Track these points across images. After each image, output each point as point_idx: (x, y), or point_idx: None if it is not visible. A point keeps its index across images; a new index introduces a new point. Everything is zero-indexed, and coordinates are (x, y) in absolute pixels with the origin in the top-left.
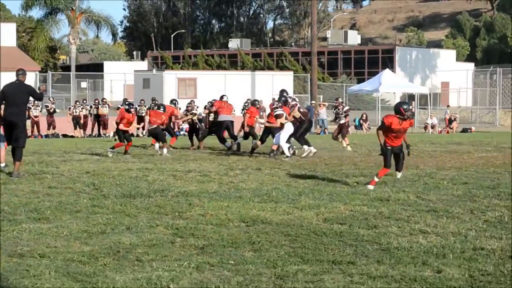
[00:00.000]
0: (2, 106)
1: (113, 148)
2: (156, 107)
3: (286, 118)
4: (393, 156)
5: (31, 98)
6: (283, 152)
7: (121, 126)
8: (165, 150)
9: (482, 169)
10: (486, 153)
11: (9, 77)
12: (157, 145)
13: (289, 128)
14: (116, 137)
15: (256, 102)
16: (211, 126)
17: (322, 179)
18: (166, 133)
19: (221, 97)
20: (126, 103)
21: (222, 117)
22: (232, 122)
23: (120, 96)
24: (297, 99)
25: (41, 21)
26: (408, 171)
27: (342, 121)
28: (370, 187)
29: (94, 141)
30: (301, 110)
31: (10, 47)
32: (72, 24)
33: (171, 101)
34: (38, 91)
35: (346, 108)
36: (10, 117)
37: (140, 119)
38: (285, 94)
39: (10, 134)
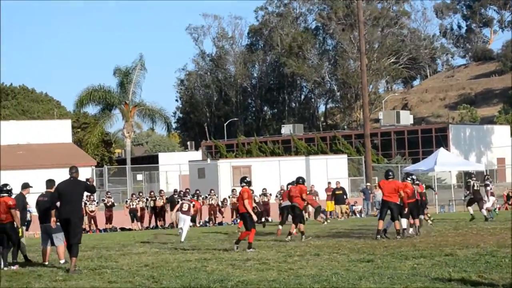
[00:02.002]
0: (58, 204)
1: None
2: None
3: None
4: None
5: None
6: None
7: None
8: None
9: None
10: None
11: (66, 173)
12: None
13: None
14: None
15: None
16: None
17: (381, 262)
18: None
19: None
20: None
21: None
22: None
23: (176, 187)
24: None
25: (96, 116)
26: (469, 250)
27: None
28: None
29: (152, 233)
30: None
31: (66, 143)
32: (126, 118)
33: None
34: (88, 183)
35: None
36: (67, 214)
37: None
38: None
39: (66, 231)
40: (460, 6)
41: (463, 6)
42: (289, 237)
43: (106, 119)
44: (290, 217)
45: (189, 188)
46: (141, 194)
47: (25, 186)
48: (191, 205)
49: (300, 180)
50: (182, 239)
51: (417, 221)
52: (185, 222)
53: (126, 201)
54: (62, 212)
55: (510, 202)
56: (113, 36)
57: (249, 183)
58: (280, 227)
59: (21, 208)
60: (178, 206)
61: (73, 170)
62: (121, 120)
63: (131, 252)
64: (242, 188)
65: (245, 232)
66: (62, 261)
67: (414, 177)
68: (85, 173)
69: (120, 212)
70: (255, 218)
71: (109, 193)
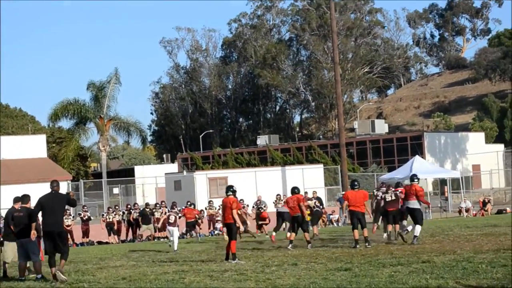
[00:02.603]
0: (40, 217)
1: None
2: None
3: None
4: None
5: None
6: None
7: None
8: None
9: None
10: None
11: (42, 188)
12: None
13: None
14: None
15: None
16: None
17: (359, 270)
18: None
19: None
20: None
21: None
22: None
23: (152, 200)
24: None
25: (71, 130)
26: (445, 257)
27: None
28: None
29: (129, 246)
30: None
31: (41, 158)
32: (101, 131)
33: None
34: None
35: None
36: (51, 227)
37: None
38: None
39: (52, 243)
40: (433, 15)
41: (435, 15)
42: (309, 245)
43: (81, 133)
44: (285, 225)
45: (164, 200)
46: (117, 207)
47: (18, 199)
48: (177, 216)
49: (296, 189)
50: (175, 248)
51: (397, 226)
52: (173, 233)
53: (103, 215)
54: (46, 225)
55: (486, 209)
56: (87, 49)
57: (235, 192)
58: (274, 233)
59: (11, 221)
60: (164, 218)
61: (54, 184)
62: (96, 134)
63: (108, 265)
64: (230, 198)
65: (231, 244)
66: (39, 276)
67: (400, 183)
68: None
69: (97, 226)
70: (242, 228)
71: (85, 207)
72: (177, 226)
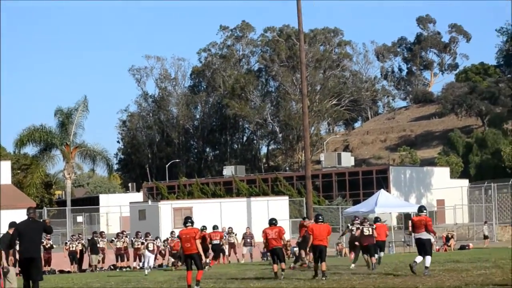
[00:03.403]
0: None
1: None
2: None
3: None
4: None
5: None
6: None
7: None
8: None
9: (482, 287)
10: (485, 270)
11: (7, 215)
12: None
13: None
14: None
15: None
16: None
17: None
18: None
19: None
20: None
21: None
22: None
23: (117, 229)
24: None
25: (36, 157)
26: None
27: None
28: None
29: (91, 276)
30: None
31: (6, 185)
32: (67, 159)
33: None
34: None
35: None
36: (29, 254)
37: (136, 251)
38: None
39: (28, 269)
40: (401, 48)
41: (404, 48)
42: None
43: (46, 160)
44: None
45: (124, 230)
46: (80, 236)
47: (13, 225)
48: (155, 243)
49: (274, 221)
50: (146, 272)
51: (373, 259)
52: (149, 259)
53: (66, 243)
54: (24, 252)
55: (449, 244)
56: (56, 75)
57: (193, 223)
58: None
59: (6, 247)
60: (144, 246)
61: (31, 211)
62: (62, 161)
63: None
64: (193, 228)
65: (199, 272)
66: None
67: (379, 218)
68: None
69: (59, 254)
70: (203, 259)
71: (48, 235)
72: (154, 254)
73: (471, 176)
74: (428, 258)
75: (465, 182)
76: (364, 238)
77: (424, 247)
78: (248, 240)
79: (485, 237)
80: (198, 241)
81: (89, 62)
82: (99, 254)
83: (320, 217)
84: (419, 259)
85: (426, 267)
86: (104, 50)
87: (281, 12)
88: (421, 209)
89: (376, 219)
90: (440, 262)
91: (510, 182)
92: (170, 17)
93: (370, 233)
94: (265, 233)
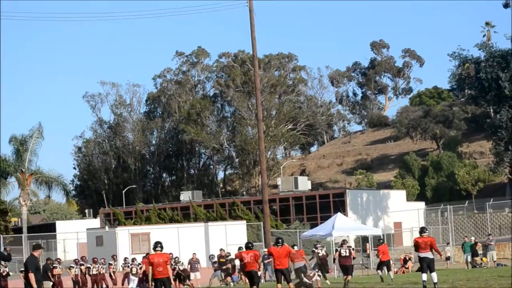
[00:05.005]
0: None
1: None
2: None
3: None
4: None
5: None
6: None
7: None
8: None
9: None
10: None
11: None
12: None
13: None
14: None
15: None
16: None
17: None
18: None
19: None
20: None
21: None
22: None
23: (74, 255)
24: None
25: None
26: None
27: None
28: None
29: None
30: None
31: None
32: (22, 186)
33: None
34: (5, 252)
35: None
36: None
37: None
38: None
39: None
40: (356, 73)
41: (358, 73)
42: None
43: (1, 187)
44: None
45: (85, 256)
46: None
47: (36, 247)
48: (139, 267)
49: (250, 245)
50: None
51: (349, 277)
52: (134, 282)
53: (21, 271)
54: None
55: (407, 266)
56: (9, 103)
57: (163, 248)
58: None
59: (34, 270)
60: (128, 270)
61: None
62: (17, 188)
63: None
64: (165, 254)
65: None
66: None
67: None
68: None
69: (16, 282)
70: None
71: (4, 263)
72: (137, 277)
73: (428, 199)
74: (435, 275)
75: (421, 205)
76: (342, 259)
77: (429, 266)
78: (195, 266)
79: (447, 258)
80: (168, 266)
81: (43, 89)
82: (51, 281)
83: (280, 240)
84: (425, 276)
85: (435, 283)
86: (59, 76)
87: (235, 38)
88: (423, 230)
89: (379, 241)
90: (398, 284)
91: (466, 204)
92: (125, 42)
93: (347, 254)
94: (241, 256)
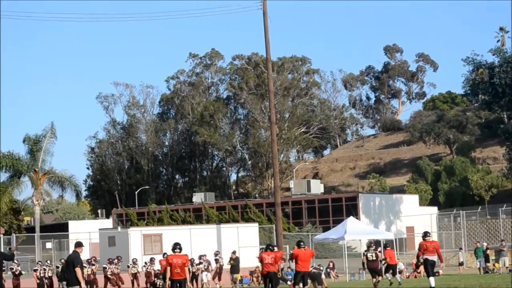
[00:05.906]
0: None
1: None
2: None
3: None
4: None
5: None
6: None
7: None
8: None
9: None
10: None
11: None
12: None
13: None
14: None
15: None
16: None
17: None
18: None
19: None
20: None
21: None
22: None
23: (86, 255)
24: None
25: (4, 184)
26: None
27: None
28: None
29: None
30: None
31: None
32: (35, 185)
33: None
34: (9, 252)
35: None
36: None
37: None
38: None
39: None
40: (369, 77)
41: (371, 77)
42: None
43: (15, 186)
44: None
45: (95, 256)
46: (48, 262)
47: (79, 244)
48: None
49: (270, 247)
50: None
51: (380, 277)
52: None
53: (34, 270)
54: None
55: (419, 271)
56: (22, 103)
57: (181, 249)
58: None
59: (81, 265)
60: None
61: None
62: (30, 187)
63: None
64: (184, 255)
65: None
66: None
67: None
68: None
69: (28, 281)
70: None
71: (17, 261)
72: None
73: (440, 204)
74: (433, 279)
75: (434, 210)
76: (369, 263)
77: (432, 268)
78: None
79: (460, 264)
80: (187, 268)
81: (57, 89)
82: None
83: (302, 243)
84: (433, 281)
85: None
86: (72, 77)
87: (249, 40)
88: (427, 234)
89: (385, 246)
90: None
91: (479, 210)
92: (139, 44)
93: (375, 258)
94: (261, 257)
